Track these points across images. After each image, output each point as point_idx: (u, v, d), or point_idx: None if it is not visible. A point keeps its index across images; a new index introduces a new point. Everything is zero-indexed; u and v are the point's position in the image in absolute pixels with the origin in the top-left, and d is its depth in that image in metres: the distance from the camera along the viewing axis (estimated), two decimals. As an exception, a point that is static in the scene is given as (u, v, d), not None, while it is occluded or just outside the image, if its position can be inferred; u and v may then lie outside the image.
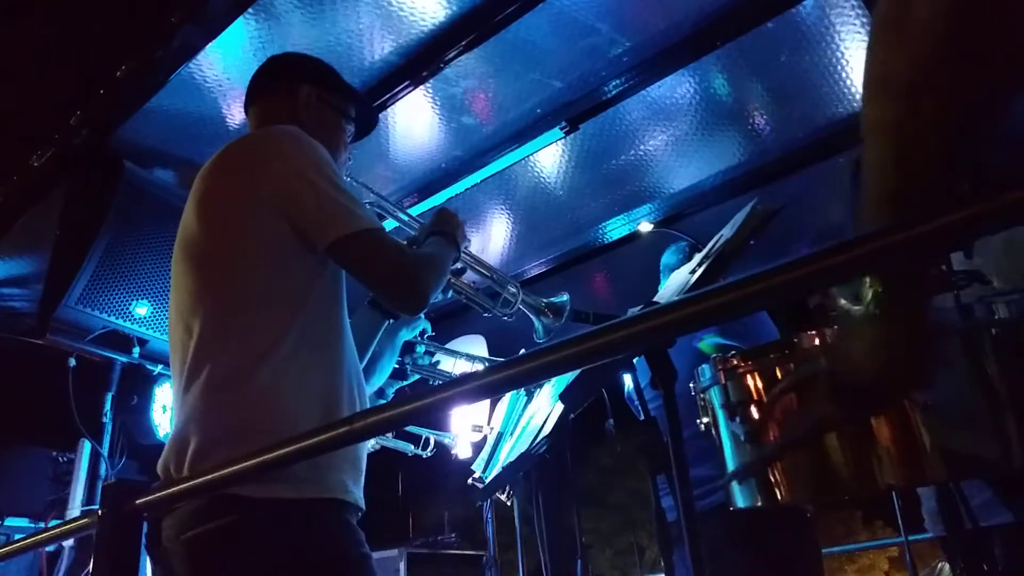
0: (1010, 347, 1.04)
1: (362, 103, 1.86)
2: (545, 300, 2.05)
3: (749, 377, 1.14)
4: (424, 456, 2.84)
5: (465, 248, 1.84)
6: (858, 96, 3.11)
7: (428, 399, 1.10)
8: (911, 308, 0.73)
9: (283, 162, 1.43)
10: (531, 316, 2.05)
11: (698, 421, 1.28)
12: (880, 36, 0.63)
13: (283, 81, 1.72)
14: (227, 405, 1.34)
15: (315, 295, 1.43)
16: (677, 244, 2.97)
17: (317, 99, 1.70)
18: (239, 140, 1.55)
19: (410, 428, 2.69)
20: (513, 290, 2.01)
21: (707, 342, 2.36)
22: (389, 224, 2.11)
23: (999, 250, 1.99)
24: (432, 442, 2.84)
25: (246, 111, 1.75)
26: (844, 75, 2.89)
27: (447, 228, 1.74)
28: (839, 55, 2.80)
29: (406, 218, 2.02)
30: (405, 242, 1.81)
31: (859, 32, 2.69)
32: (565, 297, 2.05)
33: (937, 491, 1.40)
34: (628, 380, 2.14)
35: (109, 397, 3.48)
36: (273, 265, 1.40)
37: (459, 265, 1.89)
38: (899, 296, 0.72)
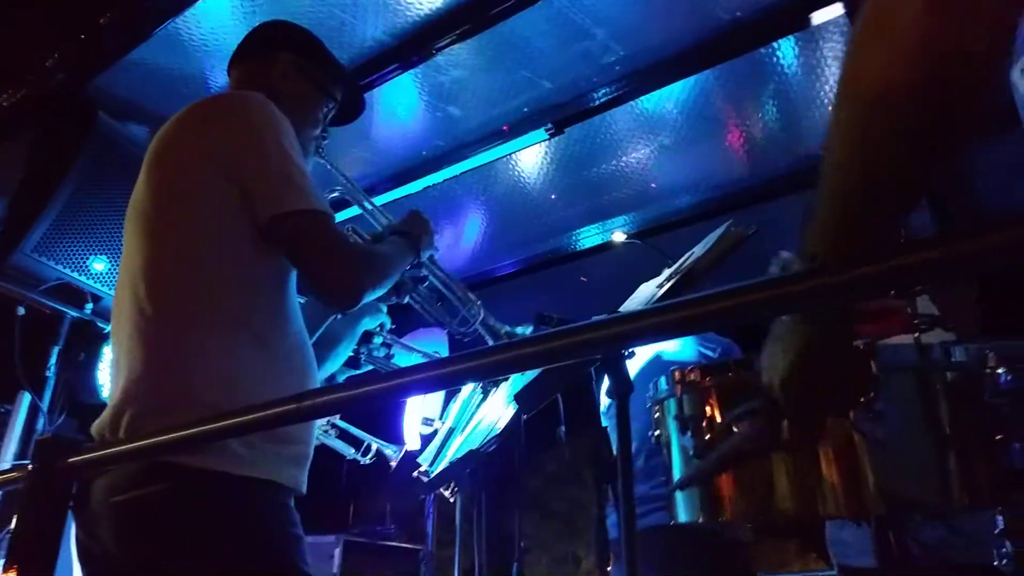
0: (962, 393, 1.05)
1: (349, 83, 1.82)
2: (507, 328, 2.01)
3: (705, 392, 1.14)
4: (362, 463, 2.77)
5: (431, 257, 1.80)
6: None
7: (379, 385, 1.08)
8: (822, 328, 0.74)
9: (239, 128, 1.38)
10: (488, 339, 2.01)
11: (650, 433, 1.27)
12: (859, 36, 0.64)
13: (265, 47, 1.68)
14: (168, 373, 1.30)
15: (264, 270, 1.39)
16: None
17: (296, 69, 1.65)
18: (199, 102, 1.49)
19: (354, 432, 2.64)
20: (474, 310, 1.97)
21: None
22: (351, 211, 2.04)
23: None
24: (374, 449, 2.77)
25: (228, 73, 1.71)
26: (830, 109, 2.92)
27: (412, 231, 1.69)
28: (827, 89, 2.83)
29: (374, 209, 1.96)
30: (369, 236, 1.77)
31: (849, 69, 2.72)
32: (528, 329, 2.02)
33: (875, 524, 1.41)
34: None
35: (55, 351, 3.38)
36: (220, 234, 1.35)
37: (422, 272, 1.83)
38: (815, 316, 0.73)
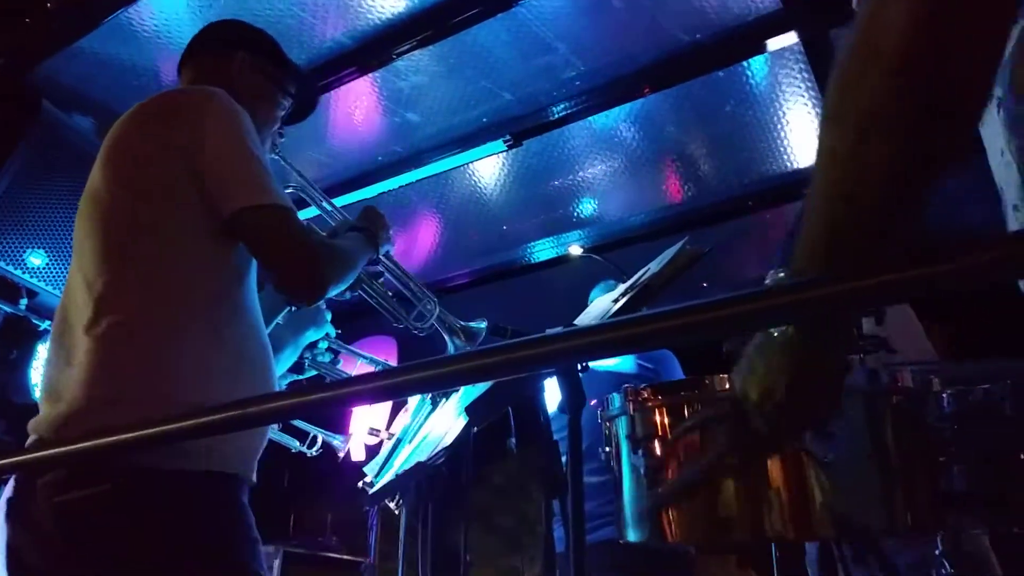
0: (907, 416, 1.07)
1: (303, 81, 1.80)
2: (461, 323, 2.00)
3: (657, 412, 1.13)
4: (309, 455, 2.73)
5: (387, 253, 1.78)
6: (793, 156, 3.22)
7: (330, 393, 1.06)
8: (822, 343, 0.73)
9: (200, 121, 1.35)
10: (444, 335, 2.00)
11: (600, 450, 1.27)
12: (843, 67, 0.64)
13: (219, 44, 1.66)
14: (117, 367, 1.26)
15: (223, 264, 1.36)
16: (607, 282, 2.97)
17: (251, 66, 1.63)
18: (161, 94, 1.46)
19: (299, 424, 2.60)
20: (430, 305, 1.95)
21: None
22: (310, 211, 2.02)
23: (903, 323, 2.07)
24: (320, 441, 2.73)
25: (179, 71, 1.67)
26: (783, 134, 2.99)
27: (370, 227, 1.68)
28: (780, 114, 2.89)
29: (330, 208, 1.94)
30: (325, 233, 1.75)
31: (803, 95, 2.78)
32: (483, 324, 2.01)
33: (819, 543, 1.44)
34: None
35: (-15, 348, 3.24)
36: (180, 228, 1.33)
37: (378, 268, 1.82)
38: (814, 330, 0.73)
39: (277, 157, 1.77)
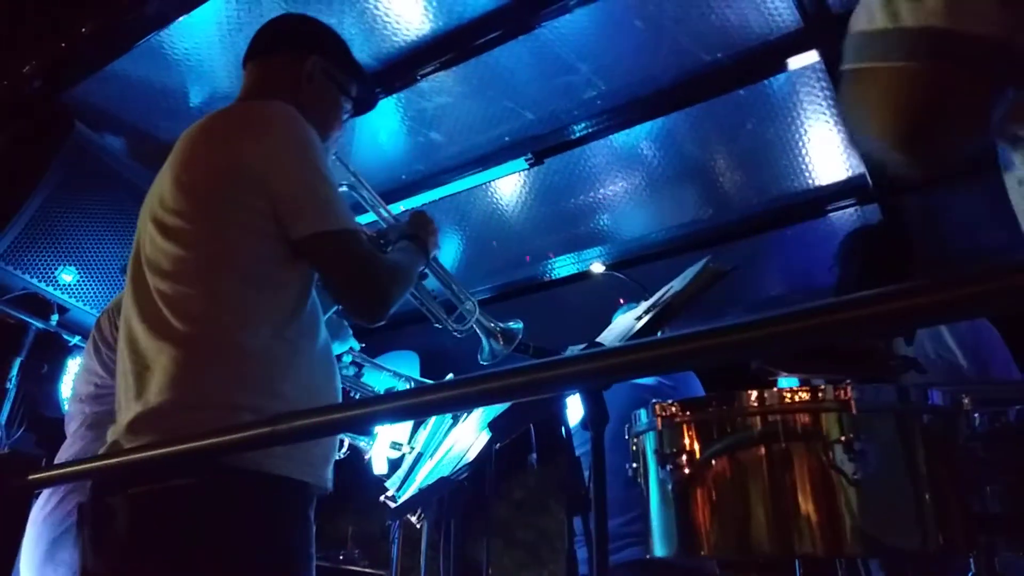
0: (938, 436, 1.07)
1: (367, 83, 1.80)
2: (501, 324, 2.02)
3: (686, 427, 1.14)
4: (337, 458, 2.74)
5: (433, 257, 1.81)
6: (814, 173, 3.21)
7: (361, 410, 1.07)
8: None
9: (270, 142, 1.37)
10: (482, 336, 2.01)
11: (627, 465, 1.27)
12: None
13: (292, 44, 1.64)
14: (194, 376, 1.28)
15: (291, 278, 1.38)
16: (630, 305, 2.97)
17: (322, 72, 1.62)
18: (227, 111, 1.48)
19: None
20: (470, 306, 1.98)
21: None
22: (368, 217, 2.04)
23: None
24: (346, 444, 2.75)
25: (244, 63, 1.66)
26: (804, 151, 2.99)
27: (421, 233, 1.70)
28: (802, 131, 2.89)
29: (385, 213, 1.96)
30: (375, 233, 1.77)
31: (824, 113, 2.78)
32: (519, 324, 2.03)
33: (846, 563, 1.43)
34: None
35: (17, 363, 3.29)
36: (253, 243, 1.34)
37: (423, 270, 1.85)
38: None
39: (335, 157, 1.78)
